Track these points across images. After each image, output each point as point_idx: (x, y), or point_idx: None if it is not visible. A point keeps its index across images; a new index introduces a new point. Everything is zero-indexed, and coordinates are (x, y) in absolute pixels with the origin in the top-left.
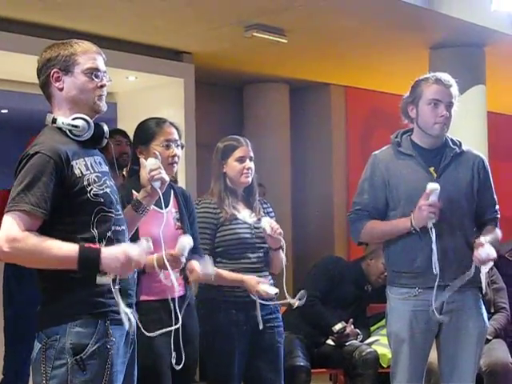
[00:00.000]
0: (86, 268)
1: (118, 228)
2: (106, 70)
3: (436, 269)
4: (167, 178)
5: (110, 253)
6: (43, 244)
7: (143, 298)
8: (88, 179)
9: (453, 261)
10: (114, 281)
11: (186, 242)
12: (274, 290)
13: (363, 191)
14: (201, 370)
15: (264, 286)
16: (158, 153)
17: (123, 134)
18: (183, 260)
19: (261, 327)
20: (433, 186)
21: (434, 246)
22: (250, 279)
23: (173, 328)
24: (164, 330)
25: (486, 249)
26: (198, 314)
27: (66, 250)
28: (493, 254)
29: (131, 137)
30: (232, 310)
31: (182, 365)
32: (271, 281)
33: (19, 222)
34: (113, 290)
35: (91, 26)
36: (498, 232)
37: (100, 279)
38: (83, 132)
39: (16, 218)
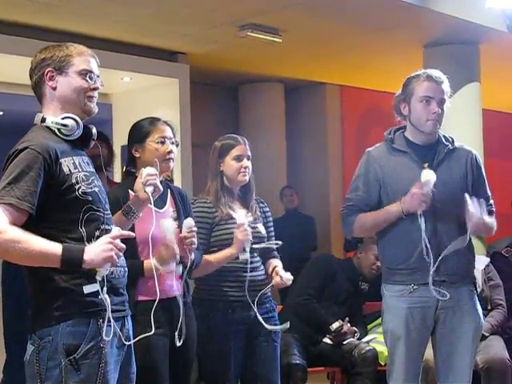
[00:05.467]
0: (68, 265)
1: (107, 227)
2: (101, 71)
3: (428, 256)
4: (161, 188)
5: (92, 248)
6: (27, 238)
7: (141, 298)
8: (76, 177)
9: (449, 256)
10: (101, 288)
11: (169, 224)
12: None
13: (357, 188)
14: (199, 369)
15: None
16: (157, 162)
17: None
18: (176, 247)
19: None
20: (428, 176)
21: (423, 233)
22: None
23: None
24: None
25: (472, 205)
26: (194, 313)
27: (49, 246)
28: (483, 214)
29: (127, 138)
30: (228, 310)
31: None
32: (267, 280)
33: (4, 215)
34: (102, 296)
35: (85, 27)
36: (494, 220)
37: (87, 288)
38: (72, 131)
39: (1, 210)
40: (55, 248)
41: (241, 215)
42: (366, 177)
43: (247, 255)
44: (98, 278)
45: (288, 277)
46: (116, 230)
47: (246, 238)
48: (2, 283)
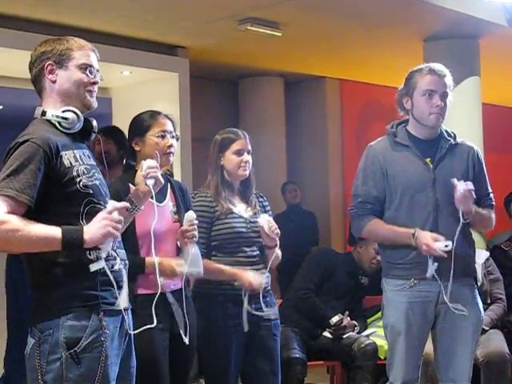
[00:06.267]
0: (69, 247)
1: None
2: (100, 65)
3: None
4: (162, 180)
5: (91, 228)
6: (26, 225)
7: (141, 291)
8: (77, 170)
9: (450, 252)
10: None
11: (191, 215)
12: (263, 280)
13: (362, 182)
14: (199, 364)
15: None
16: (158, 154)
17: (104, 132)
18: (195, 232)
19: (246, 329)
20: (446, 246)
21: (428, 270)
22: (244, 273)
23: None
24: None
25: (461, 184)
26: (195, 307)
27: (49, 230)
28: (469, 185)
29: (126, 133)
30: (228, 304)
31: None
32: (267, 274)
33: (4, 206)
34: (106, 269)
35: (85, 21)
36: (492, 214)
37: (93, 266)
38: (73, 124)
39: (0, 202)
40: (55, 231)
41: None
42: (369, 170)
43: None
44: (103, 254)
45: (266, 218)
46: (111, 204)
47: (257, 286)
48: (6, 277)
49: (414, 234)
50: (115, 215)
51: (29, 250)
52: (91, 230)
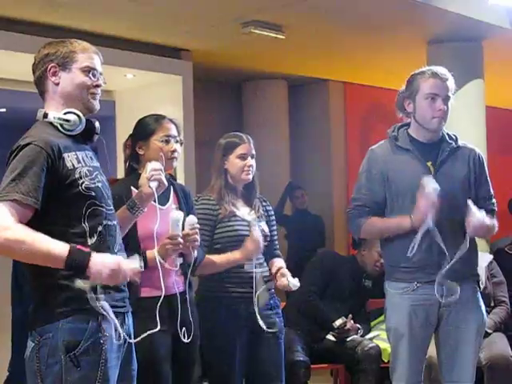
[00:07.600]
0: (71, 269)
1: (109, 222)
2: (104, 68)
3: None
4: (166, 183)
5: (101, 260)
6: (33, 238)
7: (144, 294)
8: (80, 172)
9: (452, 254)
10: (95, 290)
11: (176, 216)
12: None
13: (362, 186)
14: (203, 366)
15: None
16: (162, 155)
17: None
18: (180, 239)
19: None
20: (432, 186)
21: (440, 244)
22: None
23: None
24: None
25: (477, 215)
26: (199, 310)
27: (56, 246)
28: (484, 220)
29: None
30: (232, 306)
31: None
32: (270, 276)
33: (10, 212)
34: (90, 296)
35: (90, 25)
36: (495, 221)
37: (79, 283)
38: (74, 126)
39: (7, 207)
40: (61, 249)
41: (263, 226)
42: (370, 174)
43: (252, 268)
44: (87, 284)
45: (295, 283)
46: (135, 263)
47: (256, 251)
48: (12, 281)
49: (411, 216)
50: (129, 274)
51: (31, 262)
52: (100, 263)
